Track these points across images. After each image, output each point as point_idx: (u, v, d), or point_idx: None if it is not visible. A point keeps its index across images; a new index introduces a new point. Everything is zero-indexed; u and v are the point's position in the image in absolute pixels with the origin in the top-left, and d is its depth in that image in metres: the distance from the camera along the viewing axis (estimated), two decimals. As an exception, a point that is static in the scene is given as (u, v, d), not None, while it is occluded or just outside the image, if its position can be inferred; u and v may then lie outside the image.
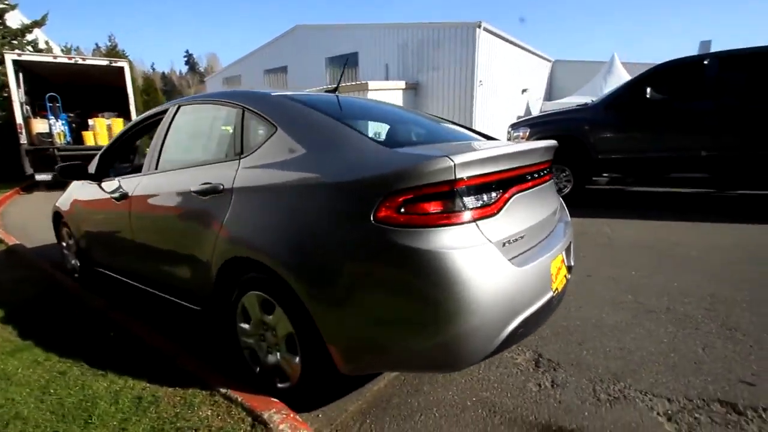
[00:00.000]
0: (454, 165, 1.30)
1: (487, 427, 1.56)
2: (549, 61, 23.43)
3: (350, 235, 1.37)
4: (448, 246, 1.28)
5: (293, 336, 1.59)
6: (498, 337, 1.36)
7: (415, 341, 1.34)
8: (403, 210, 1.31)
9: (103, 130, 9.99)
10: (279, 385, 1.72)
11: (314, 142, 1.59)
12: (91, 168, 2.87)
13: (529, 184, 1.64)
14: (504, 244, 1.42)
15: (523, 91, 20.92)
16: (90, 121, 10.10)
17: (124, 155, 3.03)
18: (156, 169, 2.29)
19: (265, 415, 1.51)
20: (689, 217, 4.69)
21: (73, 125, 10.06)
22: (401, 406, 1.72)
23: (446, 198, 1.32)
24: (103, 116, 10.42)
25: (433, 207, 1.32)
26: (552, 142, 1.82)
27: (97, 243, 2.86)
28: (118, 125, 10.17)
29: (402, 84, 17.08)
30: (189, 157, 2.15)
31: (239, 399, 1.61)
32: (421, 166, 1.30)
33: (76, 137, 9.86)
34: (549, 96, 22.48)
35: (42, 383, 1.88)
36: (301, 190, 1.51)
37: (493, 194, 1.44)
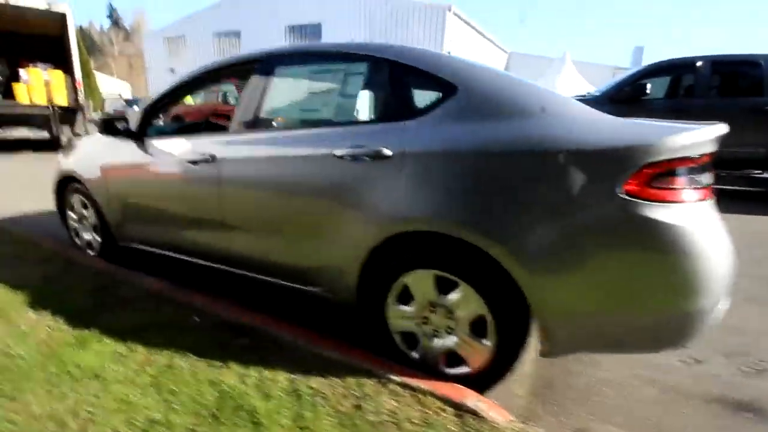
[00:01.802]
0: (710, 140, 1.26)
1: (670, 404, 1.58)
2: (505, 52, 24.25)
3: (589, 207, 1.28)
4: (697, 223, 1.25)
5: (484, 318, 1.47)
6: (715, 317, 1.36)
7: (650, 319, 1.30)
8: (653, 183, 1.24)
9: (39, 84, 8.55)
10: (448, 371, 1.59)
11: (519, 106, 1.44)
12: (132, 125, 2.41)
13: None
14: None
15: (483, 79, 21.50)
16: (22, 73, 8.58)
17: (161, 113, 2.57)
18: (254, 128, 1.96)
19: (470, 404, 1.38)
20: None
21: (0, 77, 8.50)
22: (570, 388, 1.68)
23: (694, 173, 1.28)
24: (36, 67, 8.89)
25: (682, 182, 1.27)
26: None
27: (146, 215, 2.42)
28: (59, 79, 8.80)
29: (370, 62, 16.69)
30: (310, 116, 1.87)
31: (423, 387, 1.46)
32: (681, 138, 1.23)
33: (6, 91, 8.35)
34: (505, 87, 23.32)
35: (149, 380, 1.56)
36: (515, 157, 1.36)
37: (711, 173, 1.42)
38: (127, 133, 2.39)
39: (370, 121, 1.70)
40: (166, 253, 2.43)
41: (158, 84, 23.06)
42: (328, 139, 1.71)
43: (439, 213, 1.45)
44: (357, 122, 1.73)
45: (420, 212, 1.49)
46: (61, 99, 8.74)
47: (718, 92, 5.36)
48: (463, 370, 1.57)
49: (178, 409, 1.40)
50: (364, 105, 1.78)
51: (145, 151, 2.35)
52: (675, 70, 5.60)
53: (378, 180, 1.57)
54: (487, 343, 1.48)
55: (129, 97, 27.84)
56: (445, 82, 1.55)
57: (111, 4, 64.43)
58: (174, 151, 2.23)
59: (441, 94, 1.56)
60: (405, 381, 1.50)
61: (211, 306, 2.07)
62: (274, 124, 1.96)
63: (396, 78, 1.66)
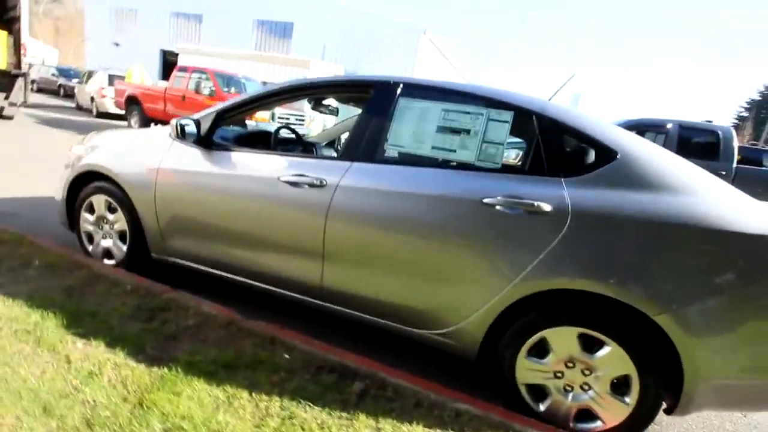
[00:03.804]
0: None
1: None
2: (465, 80, 25.47)
3: (746, 285, 1.40)
4: None
5: (628, 378, 1.52)
6: None
7: None
8: None
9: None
10: (580, 426, 1.61)
11: (676, 181, 1.52)
12: (204, 128, 2.15)
13: None
14: None
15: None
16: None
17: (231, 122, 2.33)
18: (375, 159, 1.86)
19: (625, 465, 1.41)
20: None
21: None
22: (669, 440, 1.79)
23: None
24: (-32, 22, 7.58)
25: None
26: None
27: (209, 231, 2.14)
28: (1, 40, 7.57)
29: (341, 70, 16.53)
30: (446, 156, 1.80)
31: (573, 447, 1.46)
32: None
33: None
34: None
35: (275, 434, 1.38)
36: (680, 231, 1.44)
37: None
38: (197, 139, 2.12)
39: (522, 172, 1.70)
40: (225, 274, 2.18)
41: (99, 57, 20.78)
42: (474, 184, 1.67)
43: (603, 275, 1.48)
44: (505, 171, 1.71)
45: (580, 272, 1.51)
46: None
47: (680, 152, 6.12)
48: (593, 425, 1.60)
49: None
50: (512, 155, 1.77)
51: (219, 160, 2.10)
52: (646, 128, 6.30)
53: (531, 234, 1.57)
54: (628, 401, 1.53)
55: (54, 63, 24.66)
56: (605, 147, 1.60)
57: (38, -43, 56.97)
58: (260, 167, 2.03)
59: (598, 158, 1.61)
60: (550, 438, 1.49)
61: (294, 340, 1.88)
62: (403, 156, 1.87)
63: (552, 134, 1.68)
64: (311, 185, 1.87)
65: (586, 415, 1.61)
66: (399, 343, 2.07)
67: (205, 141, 2.14)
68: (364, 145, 1.88)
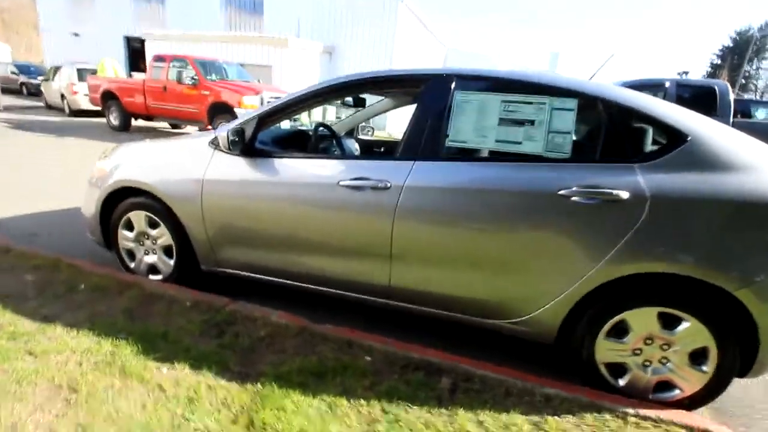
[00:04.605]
0: None
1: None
2: (444, 46, 24.94)
3: None
4: None
5: (705, 349, 1.60)
6: None
7: None
8: None
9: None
10: (659, 396, 1.70)
11: (746, 160, 1.55)
12: (247, 134, 2.08)
13: None
14: None
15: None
16: None
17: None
18: (438, 157, 1.84)
19: (712, 428, 1.51)
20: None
21: None
22: (730, 398, 1.91)
23: None
24: None
25: None
26: None
27: (266, 239, 2.11)
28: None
29: (320, 47, 15.94)
30: (512, 149, 1.78)
31: (663, 417, 1.55)
32: None
33: None
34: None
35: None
36: (757, 209, 1.49)
37: None
38: (243, 148, 2.05)
39: (593, 161, 1.70)
40: (282, 281, 2.17)
41: (58, 50, 19.52)
42: (546, 176, 1.68)
43: (684, 257, 1.53)
44: (575, 160, 1.71)
45: (661, 255, 1.55)
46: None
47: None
48: (673, 394, 1.69)
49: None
50: (580, 143, 1.76)
51: (269, 168, 2.05)
52: (645, 87, 6.35)
53: (610, 222, 1.60)
54: (706, 369, 1.62)
55: (8, 60, 23.09)
56: (676, 130, 1.62)
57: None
58: (315, 171, 1.99)
59: (670, 142, 1.63)
60: (640, 412, 1.58)
61: (370, 341, 1.91)
62: (467, 152, 1.85)
63: (621, 120, 1.68)
64: (374, 188, 1.85)
65: (665, 386, 1.70)
66: (446, 330, 2.12)
67: (250, 148, 2.08)
68: (425, 142, 1.85)
